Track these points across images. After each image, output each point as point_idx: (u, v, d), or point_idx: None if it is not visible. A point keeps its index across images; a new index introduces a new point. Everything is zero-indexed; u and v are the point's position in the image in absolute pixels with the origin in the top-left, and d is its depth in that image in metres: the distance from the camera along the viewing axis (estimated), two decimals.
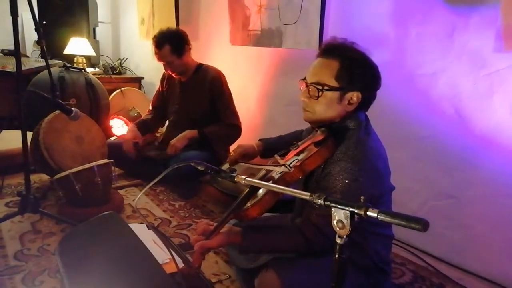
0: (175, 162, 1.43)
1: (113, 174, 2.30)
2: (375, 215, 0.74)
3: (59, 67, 3.29)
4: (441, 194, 1.91)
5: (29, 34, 4.27)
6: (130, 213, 2.33)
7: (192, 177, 2.56)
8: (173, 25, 3.48)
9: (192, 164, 1.17)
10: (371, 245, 1.30)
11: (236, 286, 1.66)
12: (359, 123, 1.29)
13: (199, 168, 1.16)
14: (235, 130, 2.66)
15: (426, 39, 1.90)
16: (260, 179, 1.30)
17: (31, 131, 2.32)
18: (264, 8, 2.72)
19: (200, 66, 2.71)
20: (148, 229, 1.22)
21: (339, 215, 0.78)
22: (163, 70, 2.78)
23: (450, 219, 1.87)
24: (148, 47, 2.92)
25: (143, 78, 4.35)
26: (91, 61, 4.17)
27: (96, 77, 3.56)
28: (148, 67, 4.29)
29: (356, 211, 0.76)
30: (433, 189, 1.94)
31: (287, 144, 1.47)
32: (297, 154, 1.29)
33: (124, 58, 4.54)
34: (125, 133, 2.85)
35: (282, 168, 1.21)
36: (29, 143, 2.04)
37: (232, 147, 2.53)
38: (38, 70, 3.27)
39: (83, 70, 3.39)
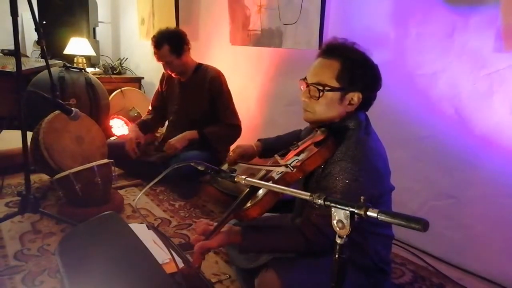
0: (175, 162, 1.43)
1: (113, 174, 2.30)
2: (375, 215, 0.74)
3: (59, 67, 3.29)
4: (441, 194, 1.91)
5: (29, 34, 4.27)
6: (130, 213, 2.33)
7: (192, 177, 2.56)
8: (173, 25, 3.49)
9: (192, 164, 1.17)
10: (371, 245, 1.31)
11: (236, 286, 1.66)
12: (359, 123, 1.29)
13: (199, 168, 1.16)
14: (235, 130, 2.66)
15: (426, 39, 1.90)
16: (260, 179, 1.30)
17: (31, 131, 2.32)
18: (264, 8, 2.72)
19: (200, 66, 2.71)
20: (148, 229, 1.22)
21: (339, 215, 0.78)
22: (163, 70, 2.78)
23: (450, 219, 1.87)
24: (148, 47, 2.92)
25: (143, 78, 4.35)
26: (91, 61, 4.17)
27: (96, 77, 3.56)
28: (148, 67, 4.29)
29: (356, 211, 0.76)
30: (433, 189, 1.94)
31: (286, 144, 1.47)
32: (297, 154, 1.29)
33: (124, 58, 4.54)
34: (127, 133, 2.85)
35: (284, 169, 1.21)
36: (29, 143, 2.04)
37: (232, 147, 2.53)
38: (38, 70, 3.28)
39: (83, 70, 3.39)
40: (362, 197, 0.77)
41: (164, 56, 2.54)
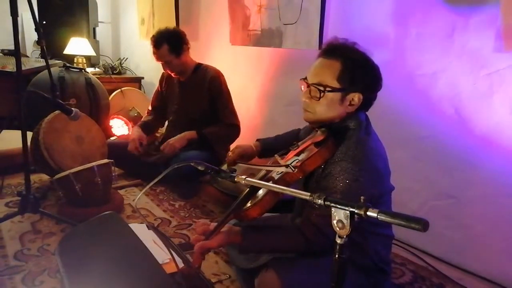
0: (175, 162, 1.43)
1: (113, 174, 2.30)
2: (375, 215, 0.74)
3: (59, 67, 3.29)
4: (441, 194, 1.91)
5: (29, 34, 4.27)
6: (130, 213, 2.33)
7: (192, 177, 2.56)
8: (173, 25, 3.48)
9: (192, 164, 1.17)
10: (371, 245, 1.30)
11: (236, 286, 1.66)
12: (359, 123, 1.29)
13: (199, 168, 1.16)
14: (235, 130, 2.66)
15: (426, 39, 1.90)
16: (260, 179, 1.30)
17: (31, 131, 2.32)
18: (264, 8, 2.72)
19: (199, 66, 2.71)
20: (148, 229, 1.22)
21: (339, 215, 0.78)
22: (162, 70, 2.78)
23: (450, 219, 1.87)
24: (148, 47, 2.91)
25: (143, 78, 4.35)
26: (91, 61, 4.17)
27: (96, 77, 3.56)
28: (148, 67, 4.28)
29: (356, 211, 0.76)
30: (433, 189, 1.94)
31: (285, 144, 1.47)
32: (297, 154, 1.29)
33: (124, 58, 4.54)
34: (131, 134, 2.85)
35: (284, 169, 1.21)
36: (29, 143, 2.04)
37: (232, 147, 2.53)
38: (38, 70, 3.28)
39: (83, 70, 3.39)
40: (362, 197, 0.77)
41: (163, 55, 2.54)
